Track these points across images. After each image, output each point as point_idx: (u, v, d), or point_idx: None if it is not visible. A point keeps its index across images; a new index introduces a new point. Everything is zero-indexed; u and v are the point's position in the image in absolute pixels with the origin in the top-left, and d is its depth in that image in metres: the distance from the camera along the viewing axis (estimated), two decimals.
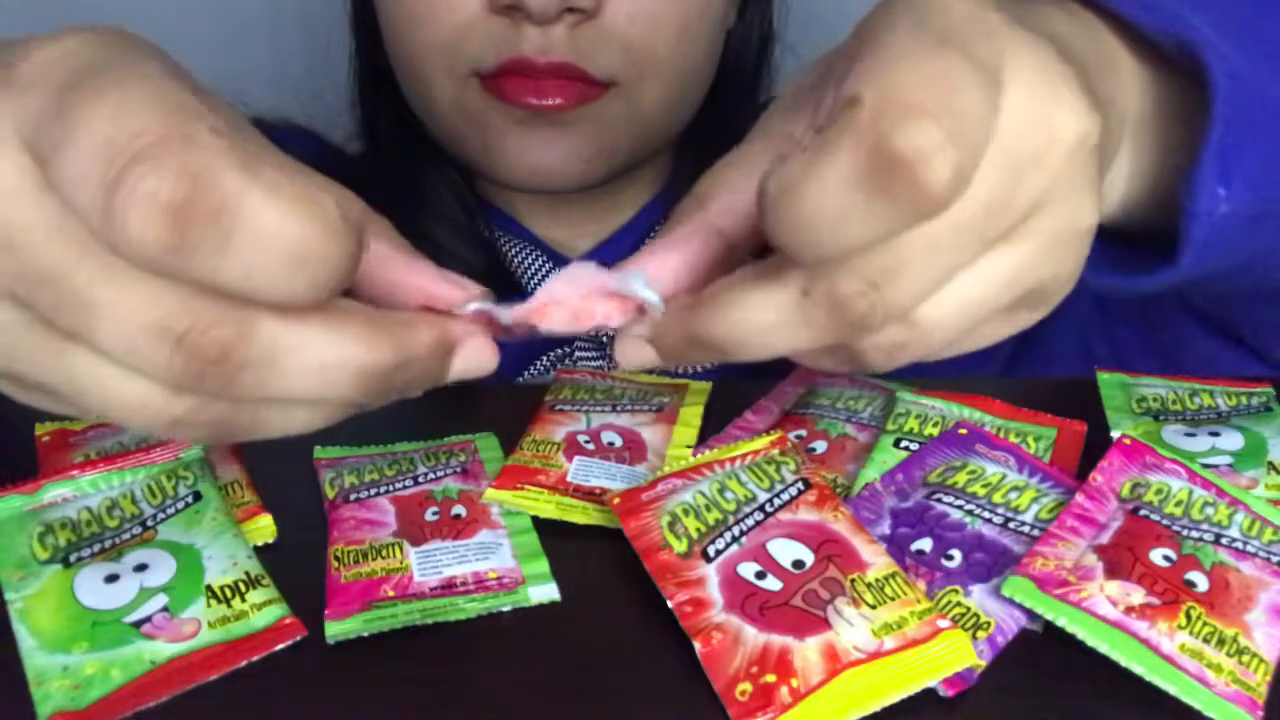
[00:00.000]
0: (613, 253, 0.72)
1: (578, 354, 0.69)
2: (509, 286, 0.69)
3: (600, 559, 0.39)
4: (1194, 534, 0.37)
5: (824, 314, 0.27)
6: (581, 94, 0.60)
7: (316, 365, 0.26)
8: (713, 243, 0.31)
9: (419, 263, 0.31)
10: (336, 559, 0.38)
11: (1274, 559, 0.37)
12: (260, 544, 0.39)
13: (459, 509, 0.41)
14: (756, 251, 0.31)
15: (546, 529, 0.40)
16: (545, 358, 0.68)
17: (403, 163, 0.71)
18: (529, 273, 0.70)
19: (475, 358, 0.30)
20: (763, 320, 0.28)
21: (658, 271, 0.31)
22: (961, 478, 0.41)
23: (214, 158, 0.23)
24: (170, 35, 0.33)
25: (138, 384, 0.27)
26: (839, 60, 0.28)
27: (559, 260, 0.71)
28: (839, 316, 0.27)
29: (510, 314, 0.31)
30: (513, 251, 0.70)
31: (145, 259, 0.24)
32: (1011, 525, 0.38)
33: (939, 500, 0.39)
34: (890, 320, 0.28)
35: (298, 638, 0.35)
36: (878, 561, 0.36)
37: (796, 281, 0.27)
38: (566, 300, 0.31)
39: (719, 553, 0.36)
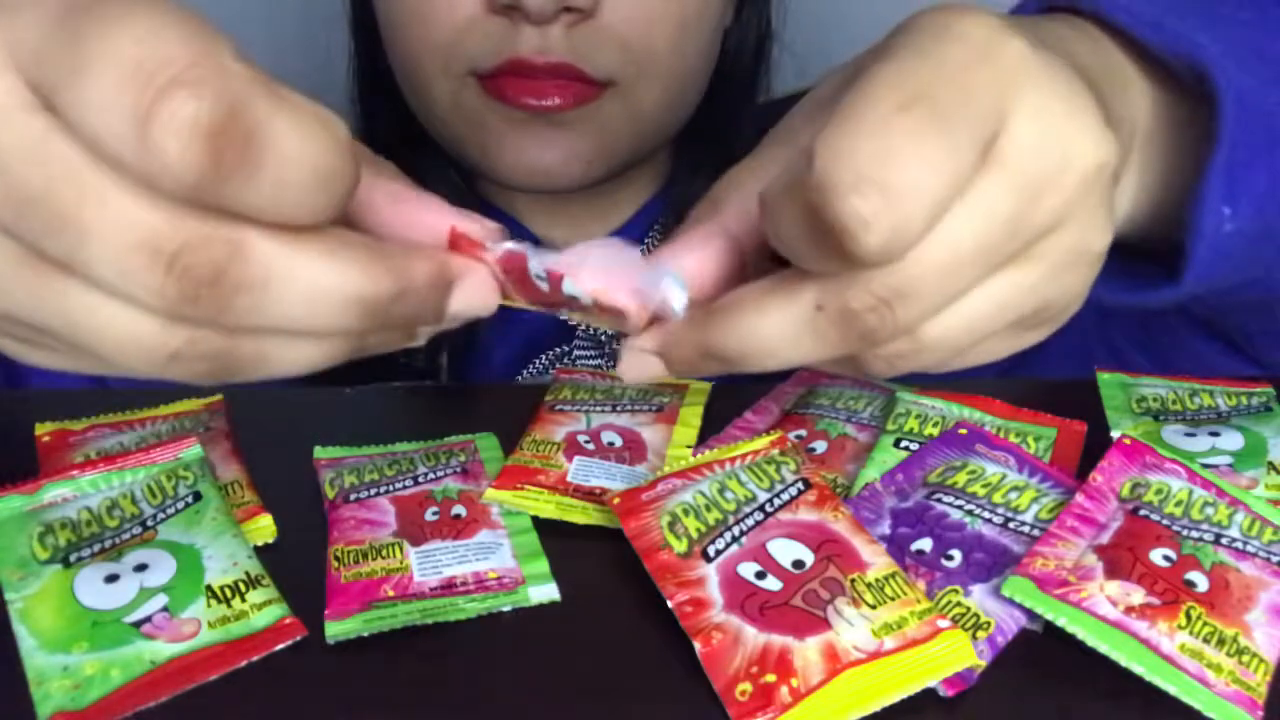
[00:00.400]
0: None
1: (576, 353, 0.69)
2: None
3: (600, 559, 0.39)
4: (1194, 534, 0.37)
5: (836, 329, 0.28)
6: (579, 94, 0.60)
7: (311, 290, 0.26)
8: (725, 246, 0.32)
9: (432, 199, 0.30)
10: (336, 559, 0.38)
11: (1274, 559, 0.37)
12: (260, 544, 0.39)
13: (459, 509, 0.41)
14: (767, 258, 0.32)
15: (546, 529, 0.40)
16: (544, 356, 0.68)
17: (401, 162, 0.71)
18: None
19: (476, 293, 0.30)
20: (776, 333, 0.29)
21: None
22: (961, 478, 0.41)
23: (244, 84, 0.24)
24: None
25: (132, 314, 0.26)
26: (853, 75, 0.28)
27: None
28: (850, 331, 0.28)
29: (542, 261, 0.29)
30: None
31: (182, 185, 0.24)
32: (1011, 525, 0.38)
33: (939, 500, 0.39)
34: (898, 335, 0.28)
35: (298, 638, 0.35)
36: (878, 561, 0.36)
37: (809, 295, 0.28)
38: (597, 270, 0.30)
39: (719, 553, 0.36)
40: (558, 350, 0.68)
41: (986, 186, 0.27)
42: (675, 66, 0.64)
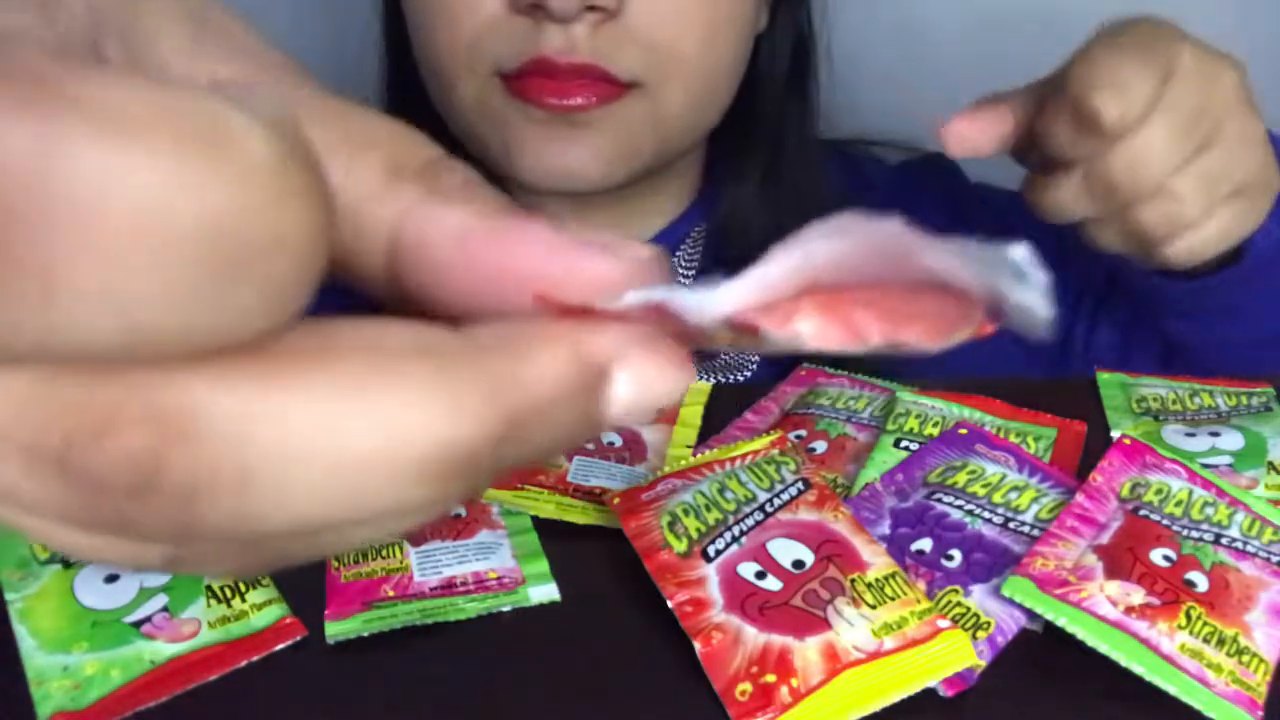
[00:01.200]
0: None
1: None
2: None
3: (600, 559, 0.39)
4: (1194, 534, 0.37)
5: (1099, 188, 0.46)
6: (603, 94, 0.60)
7: (336, 460, 0.13)
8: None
9: (528, 227, 0.17)
10: (336, 559, 0.38)
11: (1274, 559, 0.37)
12: None
13: (459, 509, 0.41)
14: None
15: (546, 529, 0.40)
16: None
17: None
18: None
19: (654, 378, 0.16)
20: (1063, 196, 0.47)
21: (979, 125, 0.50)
22: (961, 478, 0.41)
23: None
24: None
25: (71, 534, 0.15)
26: (1063, 68, 0.47)
27: None
28: (1109, 189, 0.45)
29: (712, 306, 0.15)
30: None
31: None
32: (1011, 525, 0.38)
33: (939, 500, 0.39)
34: (1149, 193, 0.45)
35: (298, 638, 0.35)
36: (878, 561, 0.36)
37: (1080, 169, 0.46)
38: (839, 289, 0.16)
39: (719, 553, 0.36)
40: None
41: (1175, 87, 0.45)
42: (702, 69, 0.63)
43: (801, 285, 0.16)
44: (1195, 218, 0.46)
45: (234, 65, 0.17)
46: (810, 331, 0.16)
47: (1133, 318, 0.64)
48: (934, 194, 0.75)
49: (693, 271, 0.72)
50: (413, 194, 0.16)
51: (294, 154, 0.12)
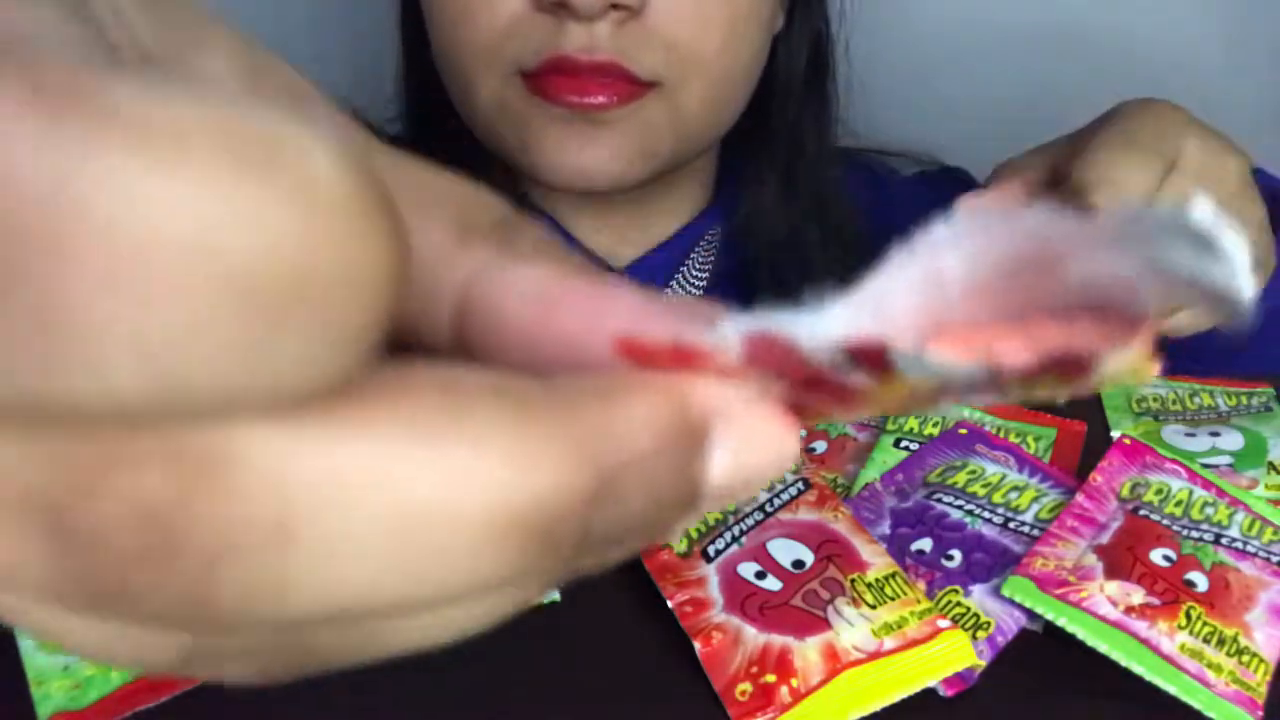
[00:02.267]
0: (658, 263, 0.72)
1: None
2: None
3: None
4: (1194, 534, 0.37)
5: None
6: (624, 93, 0.60)
7: (394, 513, 0.11)
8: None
9: (613, 289, 0.15)
10: None
11: (1274, 559, 0.37)
12: None
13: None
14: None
15: None
16: None
17: (444, 161, 0.71)
18: None
19: (760, 439, 0.14)
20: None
21: None
22: (961, 478, 0.41)
23: None
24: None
25: (66, 619, 0.13)
26: (1069, 141, 0.52)
27: (599, 264, 0.71)
28: None
29: (825, 328, 0.12)
30: None
31: None
32: (1011, 525, 0.38)
33: (939, 500, 0.39)
34: None
35: None
36: (878, 561, 0.35)
37: None
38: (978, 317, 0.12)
39: (719, 553, 0.36)
40: None
41: (1176, 179, 0.47)
42: (722, 69, 0.64)
43: (930, 308, 0.12)
44: None
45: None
46: (1000, 352, 0.11)
47: None
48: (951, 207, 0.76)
49: (706, 275, 0.72)
50: (485, 253, 0.14)
51: (368, 181, 0.10)
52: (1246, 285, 0.11)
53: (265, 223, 0.09)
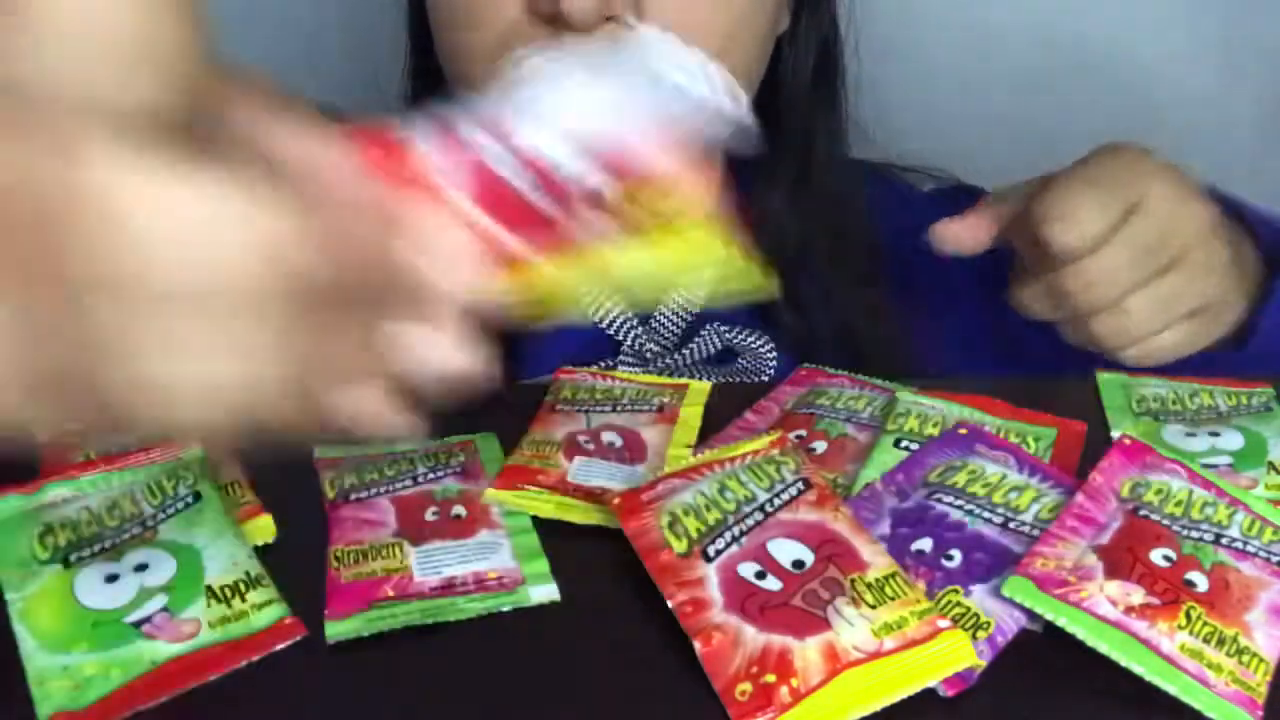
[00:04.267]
0: None
1: (621, 369, 0.68)
2: None
3: (600, 559, 0.39)
4: (1194, 534, 0.37)
5: (1056, 298, 0.49)
6: None
7: (193, 233, 0.20)
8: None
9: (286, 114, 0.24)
10: (336, 559, 0.38)
11: (1274, 559, 0.37)
12: (260, 544, 0.39)
13: (459, 509, 0.41)
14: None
15: (546, 529, 0.40)
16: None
17: None
18: None
19: (456, 256, 0.22)
20: (1027, 297, 0.50)
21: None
22: (961, 478, 0.41)
23: None
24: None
25: None
26: (1041, 180, 0.51)
27: None
28: (1064, 300, 0.48)
29: (482, 124, 0.18)
30: None
31: None
32: (1011, 525, 0.38)
33: (939, 500, 0.39)
34: (1103, 308, 0.48)
35: (298, 638, 0.35)
36: (878, 561, 0.36)
37: (1045, 279, 0.49)
38: (589, 115, 0.18)
39: (719, 553, 0.36)
40: (600, 366, 0.68)
41: (1136, 221, 0.47)
42: None
43: (560, 114, 0.18)
44: (1147, 333, 0.49)
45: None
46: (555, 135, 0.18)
47: None
48: None
49: None
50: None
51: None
52: (726, 100, 0.15)
53: None
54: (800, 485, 0.39)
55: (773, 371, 0.68)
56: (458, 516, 0.40)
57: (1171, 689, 0.32)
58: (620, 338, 0.68)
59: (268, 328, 0.21)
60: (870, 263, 0.72)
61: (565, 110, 0.17)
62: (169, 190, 0.20)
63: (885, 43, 0.76)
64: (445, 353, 0.23)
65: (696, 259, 0.23)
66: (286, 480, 0.43)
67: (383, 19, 0.76)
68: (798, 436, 0.45)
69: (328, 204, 0.21)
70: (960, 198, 0.78)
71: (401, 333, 0.23)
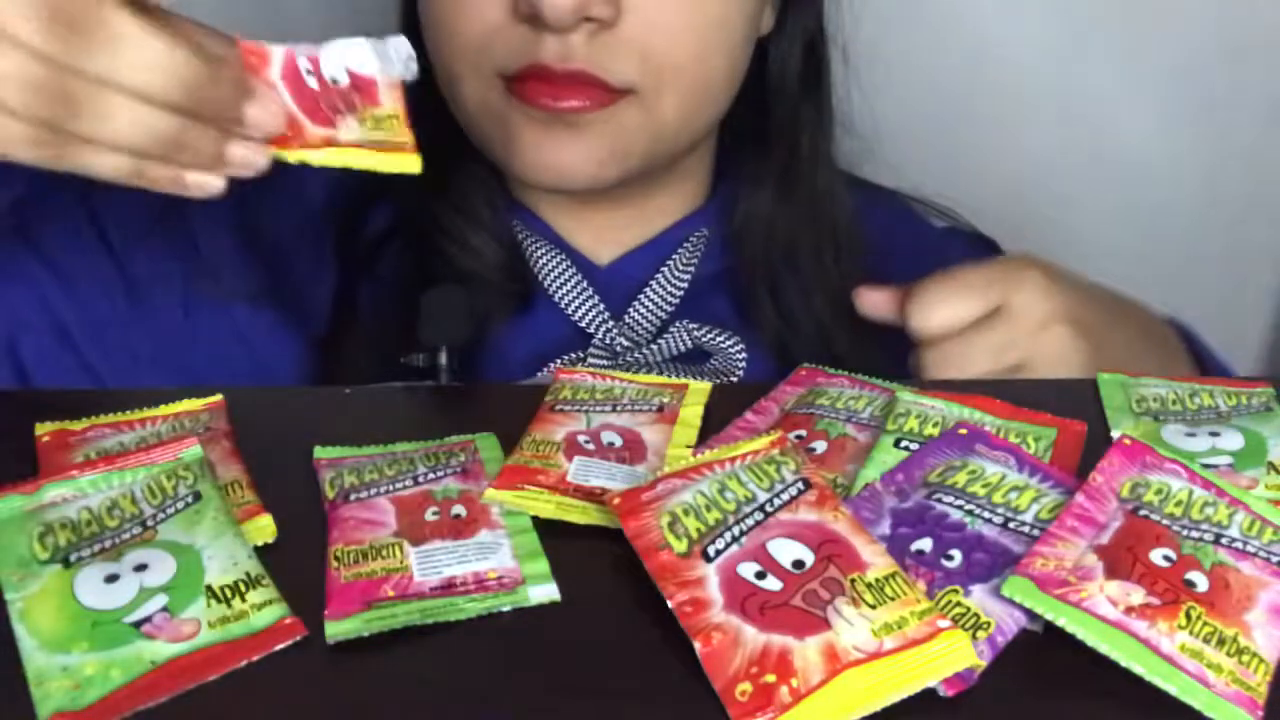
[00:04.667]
0: (637, 263, 0.73)
1: (590, 361, 0.68)
2: (524, 282, 0.71)
3: (600, 559, 0.39)
4: (1194, 534, 0.37)
5: (920, 369, 0.59)
6: (598, 99, 0.63)
7: (150, 56, 0.37)
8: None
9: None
10: (336, 559, 0.38)
11: (1274, 559, 0.37)
12: (260, 544, 0.39)
13: (459, 509, 0.41)
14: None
15: (546, 529, 0.40)
16: (555, 363, 0.68)
17: (433, 155, 0.73)
18: (549, 272, 0.71)
19: (267, 109, 0.43)
20: (912, 360, 0.59)
21: None
22: (961, 478, 0.41)
23: None
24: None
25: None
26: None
27: (580, 262, 0.72)
28: (928, 372, 0.58)
29: (302, 51, 0.44)
30: (536, 251, 0.71)
31: None
32: (1011, 525, 0.38)
33: (939, 500, 0.39)
34: (948, 366, 0.57)
35: (298, 638, 0.35)
36: (878, 561, 0.36)
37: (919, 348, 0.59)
38: (341, 50, 0.44)
39: (719, 553, 0.36)
40: (570, 357, 0.68)
41: (997, 322, 0.56)
42: (696, 77, 0.65)
43: (329, 50, 0.45)
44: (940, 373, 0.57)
45: None
46: (333, 64, 0.45)
47: None
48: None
49: (688, 277, 0.72)
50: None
51: None
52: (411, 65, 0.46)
53: None
54: (800, 485, 0.39)
55: (742, 373, 0.68)
56: (458, 516, 0.40)
57: (1171, 689, 0.32)
58: (591, 330, 0.69)
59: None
60: (855, 266, 0.73)
61: (343, 54, 0.43)
62: None
63: (873, 47, 0.76)
64: (239, 150, 0.42)
65: (392, 140, 0.45)
66: (286, 480, 0.43)
67: (375, 20, 0.76)
68: (798, 436, 0.45)
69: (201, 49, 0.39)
70: (970, 246, 0.78)
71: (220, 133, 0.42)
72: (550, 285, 0.70)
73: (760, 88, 0.72)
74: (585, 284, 0.70)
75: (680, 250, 0.73)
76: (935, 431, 0.44)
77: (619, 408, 0.47)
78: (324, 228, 0.72)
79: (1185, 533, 0.37)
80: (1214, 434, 0.44)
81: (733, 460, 0.40)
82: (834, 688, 0.31)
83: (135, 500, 0.39)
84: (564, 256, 0.71)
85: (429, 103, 0.70)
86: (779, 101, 0.73)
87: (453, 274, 0.69)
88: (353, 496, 0.41)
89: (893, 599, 0.34)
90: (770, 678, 0.32)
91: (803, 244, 0.73)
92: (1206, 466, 0.41)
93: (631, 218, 0.74)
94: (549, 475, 0.42)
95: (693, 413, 0.47)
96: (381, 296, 0.69)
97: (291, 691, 0.33)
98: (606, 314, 0.70)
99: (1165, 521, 0.38)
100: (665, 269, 0.72)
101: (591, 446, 0.44)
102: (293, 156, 0.44)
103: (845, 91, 0.76)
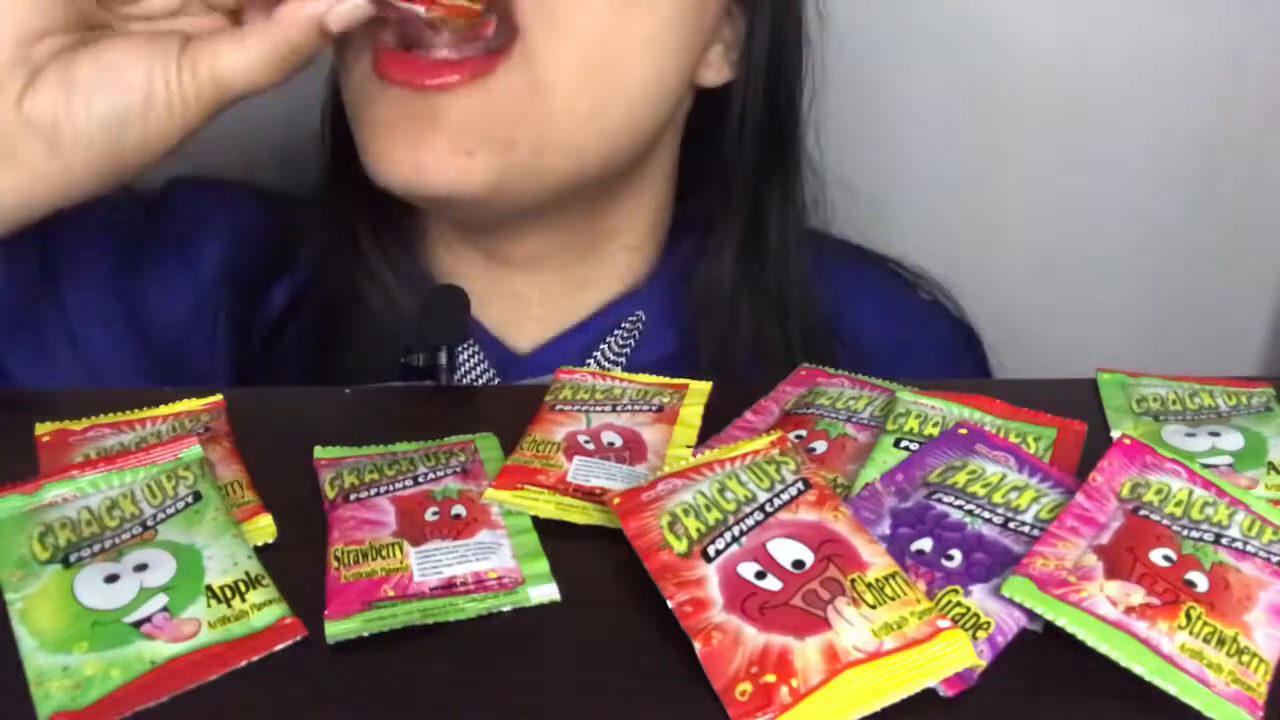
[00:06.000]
0: (561, 353, 0.64)
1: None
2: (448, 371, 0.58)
3: (600, 559, 0.39)
4: (1194, 534, 0.37)
5: None
6: (475, 68, 0.54)
7: None
8: None
9: None
10: (336, 559, 0.38)
11: (1274, 559, 0.37)
12: (260, 544, 0.39)
13: (459, 509, 0.41)
14: None
15: (546, 529, 0.40)
16: None
17: (343, 213, 0.66)
18: (462, 365, 0.64)
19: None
20: None
21: None
22: (961, 478, 0.41)
23: None
24: None
25: None
26: None
27: (495, 354, 0.65)
28: None
29: None
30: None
31: None
32: (1011, 525, 0.38)
33: (939, 500, 0.39)
34: None
35: (298, 638, 0.35)
36: (878, 561, 0.36)
37: None
38: None
39: (719, 553, 0.36)
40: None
41: None
42: (599, 38, 0.55)
43: None
44: None
45: None
46: None
47: None
48: (941, 353, 0.72)
49: (622, 362, 0.65)
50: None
51: None
52: None
53: None
54: (800, 485, 0.39)
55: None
56: (458, 516, 0.40)
57: (1171, 689, 0.32)
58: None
59: None
60: (823, 348, 0.66)
61: None
62: None
63: (850, 125, 0.71)
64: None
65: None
66: (286, 480, 0.43)
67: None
68: (798, 436, 0.45)
69: None
70: (958, 334, 0.72)
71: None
72: (467, 380, 0.63)
73: (712, 145, 0.64)
74: (500, 383, 0.62)
75: (615, 334, 0.66)
76: (935, 431, 0.44)
77: (619, 408, 0.47)
78: (216, 310, 0.64)
79: (1185, 533, 0.37)
80: (1214, 434, 0.44)
81: (733, 460, 0.40)
82: (834, 688, 0.31)
83: (135, 500, 0.39)
84: (477, 349, 0.64)
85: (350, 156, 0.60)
86: (743, 157, 0.65)
87: (359, 360, 0.62)
88: (353, 496, 0.41)
89: (893, 599, 0.34)
90: (770, 678, 0.32)
91: (767, 329, 0.66)
92: (1206, 466, 0.41)
93: (552, 291, 0.65)
94: (549, 475, 0.42)
95: (693, 413, 0.47)
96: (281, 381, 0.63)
97: (291, 691, 0.33)
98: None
99: (1165, 521, 0.38)
100: (595, 355, 0.65)
101: (591, 446, 0.44)
102: None
103: (821, 173, 0.70)
